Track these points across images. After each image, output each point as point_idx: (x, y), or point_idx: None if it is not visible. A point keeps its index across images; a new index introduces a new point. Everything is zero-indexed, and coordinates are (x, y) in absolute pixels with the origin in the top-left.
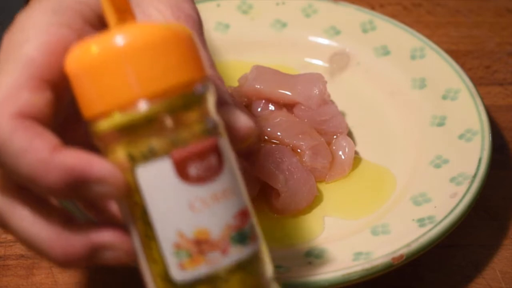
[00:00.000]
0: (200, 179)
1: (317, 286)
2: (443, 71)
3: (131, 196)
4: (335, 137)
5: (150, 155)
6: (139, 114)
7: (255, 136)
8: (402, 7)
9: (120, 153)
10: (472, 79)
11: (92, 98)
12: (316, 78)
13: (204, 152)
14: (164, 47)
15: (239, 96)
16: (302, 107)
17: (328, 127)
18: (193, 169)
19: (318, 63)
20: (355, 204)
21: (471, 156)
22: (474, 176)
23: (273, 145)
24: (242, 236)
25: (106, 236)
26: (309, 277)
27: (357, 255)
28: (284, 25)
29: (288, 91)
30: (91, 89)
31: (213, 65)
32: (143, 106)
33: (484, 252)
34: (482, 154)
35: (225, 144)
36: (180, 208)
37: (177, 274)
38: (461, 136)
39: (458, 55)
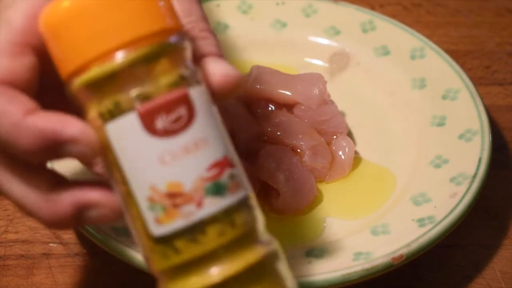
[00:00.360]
0: (168, 132)
1: (317, 286)
2: (443, 71)
3: (107, 155)
4: (335, 137)
5: (118, 111)
6: (115, 65)
7: (237, 86)
8: (402, 7)
9: (93, 111)
10: (472, 79)
11: (67, 55)
12: (316, 78)
13: (171, 104)
14: None
15: (239, 96)
16: (302, 107)
17: (328, 127)
18: (160, 122)
19: (318, 63)
20: (355, 204)
21: (471, 156)
22: (474, 176)
23: (273, 145)
24: (218, 187)
25: (91, 195)
26: (309, 277)
27: (357, 255)
28: (284, 25)
29: (288, 91)
30: (66, 45)
31: (205, 18)
32: (119, 56)
33: (484, 252)
34: (482, 154)
35: (199, 94)
36: (150, 162)
37: (155, 229)
38: (461, 136)
39: (458, 55)
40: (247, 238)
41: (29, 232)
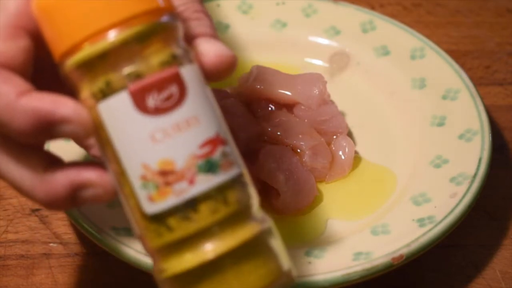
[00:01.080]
0: (160, 110)
1: (317, 286)
2: (443, 71)
3: (100, 134)
4: (335, 137)
5: (109, 90)
6: (106, 44)
7: (231, 66)
8: (402, 7)
9: (85, 91)
10: (472, 79)
11: (59, 35)
12: (316, 78)
13: (162, 83)
14: None
15: (239, 96)
16: (302, 107)
17: (328, 127)
18: (151, 100)
19: (318, 63)
20: (355, 204)
21: (471, 156)
22: (474, 176)
23: (273, 145)
24: (210, 165)
25: (86, 175)
26: (309, 277)
27: (357, 255)
28: (284, 25)
29: (288, 91)
30: (58, 26)
31: (199, 0)
32: (110, 35)
33: (484, 252)
34: (482, 154)
35: (190, 73)
36: (141, 140)
37: (148, 206)
38: (461, 136)
39: (458, 55)
40: (241, 215)
41: (29, 232)
